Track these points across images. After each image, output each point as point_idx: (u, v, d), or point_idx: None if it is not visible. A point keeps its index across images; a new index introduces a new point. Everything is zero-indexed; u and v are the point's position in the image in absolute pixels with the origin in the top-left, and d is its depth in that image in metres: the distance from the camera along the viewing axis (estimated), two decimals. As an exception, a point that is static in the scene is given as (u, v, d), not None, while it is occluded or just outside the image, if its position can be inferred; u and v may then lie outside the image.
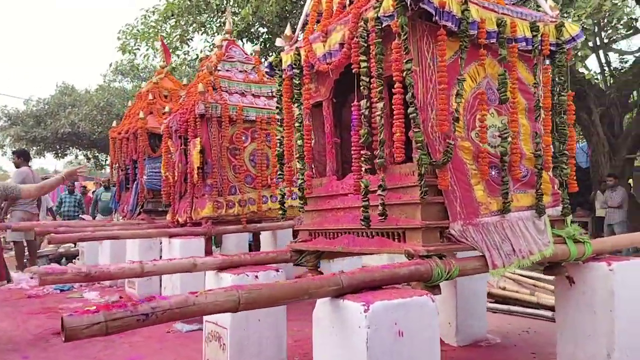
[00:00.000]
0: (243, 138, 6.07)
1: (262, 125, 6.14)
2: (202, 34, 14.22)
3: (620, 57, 13.40)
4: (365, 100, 3.08)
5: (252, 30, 13.75)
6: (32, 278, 7.76)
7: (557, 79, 3.47)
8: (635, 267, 3.34)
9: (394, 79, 2.89)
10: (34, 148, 25.80)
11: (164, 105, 8.14)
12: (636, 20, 10.14)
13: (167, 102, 8.23)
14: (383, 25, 2.96)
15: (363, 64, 3.06)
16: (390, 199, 3.02)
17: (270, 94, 6.43)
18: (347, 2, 3.49)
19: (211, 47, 13.73)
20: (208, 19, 13.90)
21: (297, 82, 3.69)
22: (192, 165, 5.82)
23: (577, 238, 3.35)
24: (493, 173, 3.14)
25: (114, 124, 9.10)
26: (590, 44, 10.67)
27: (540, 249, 3.15)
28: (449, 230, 2.92)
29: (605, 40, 12.15)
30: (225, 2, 12.94)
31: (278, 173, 3.88)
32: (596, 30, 11.02)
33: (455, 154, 2.96)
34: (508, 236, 3.07)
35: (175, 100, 8.07)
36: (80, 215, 12.14)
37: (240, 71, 6.45)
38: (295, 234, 7.67)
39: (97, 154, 29.29)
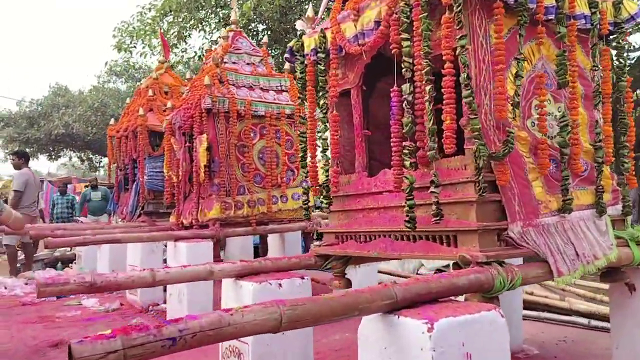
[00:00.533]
0: (251, 134, 5.69)
1: (272, 121, 5.76)
2: (199, 31, 13.84)
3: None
4: (409, 84, 2.70)
5: (251, 27, 13.37)
6: (26, 284, 7.35)
7: (615, 63, 3.11)
8: None
9: (444, 58, 2.52)
10: (27, 150, 25.30)
11: (165, 102, 7.75)
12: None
13: (168, 99, 7.82)
14: (428, -1, 2.60)
15: (405, 43, 2.69)
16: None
17: (279, 87, 6.05)
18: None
19: (210, 44, 13.34)
20: (206, 15, 13.51)
21: (323, 68, 3.32)
22: (199, 164, 5.43)
23: (640, 240, 3.00)
24: (551, 167, 2.78)
25: (112, 122, 8.70)
26: None
27: (604, 252, 2.78)
28: (507, 232, 2.55)
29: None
30: (225, -4, 12.56)
31: (301, 169, 3.50)
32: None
33: (512, 145, 2.60)
34: (570, 239, 2.71)
35: (176, 97, 7.68)
36: (75, 217, 11.69)
37: (248, 63, 6.07)
38: (305, 236, 7.33)
39: (91, 156, 28.84)
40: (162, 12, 13.68)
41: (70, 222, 10.83)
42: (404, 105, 2.71)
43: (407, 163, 2.68)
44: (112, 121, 8.73)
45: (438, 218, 2.60)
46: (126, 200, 7.89)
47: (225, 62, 5.89)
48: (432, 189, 2.61)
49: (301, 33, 3.58)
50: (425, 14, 2.60)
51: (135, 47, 14.65)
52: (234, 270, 3.18)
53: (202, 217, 5.52)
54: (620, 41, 3.12)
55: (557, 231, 2.69)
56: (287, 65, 6.32)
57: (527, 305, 5.40)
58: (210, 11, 13.36)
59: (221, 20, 12.46)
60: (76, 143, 25.65)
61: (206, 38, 13.44)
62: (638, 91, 12.58)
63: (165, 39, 13.95)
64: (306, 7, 13.15)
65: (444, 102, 2.50)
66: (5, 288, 7.09)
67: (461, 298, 2.40)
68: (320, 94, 3.35)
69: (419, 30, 2.64)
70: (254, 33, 13.56)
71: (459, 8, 2.46)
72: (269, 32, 13.24)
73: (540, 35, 2.74)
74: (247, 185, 5.63)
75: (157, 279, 2.91)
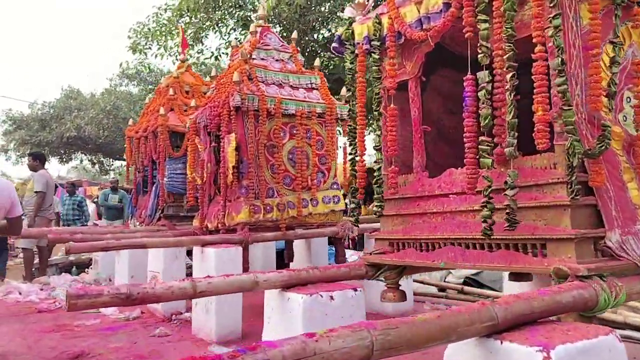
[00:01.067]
0: (281, 134, 5.38)
1: (302, 120, 5.45)
2: (216, 32, 13.58)
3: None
4: (487, 72, 2.39)
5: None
6: (42, 289, 7.07)
7: None
8: None
9: (535, 40, 2.20)
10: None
11: (186, 101, 7.48)
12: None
13: (189, 98, 7.54)
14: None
15: (483, 25, 2.37)
16: (519, 200, 2.33)
17: (309, 85, 5.74)
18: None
19: (227, 44, 13.08)
20: (223, 16, 13.25)
21: (377, 57, 3.01)
22: (226, 164, 5.12)
23: None
24: (647, 167, 2.45)
25: (130, 122, 8.42)
26: None
27: None
28: (605, 241, 2.22)
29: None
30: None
31: (350, 169, 3.18)
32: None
33: (606, 141, 2.27)
34: (671, 249, 2.37)
35: (197, 97, 7.39)
36: (85, 220, 11.28)
37: (277, 60, 5.76)
38: (331, 241, 7.00)
39: (102, 159, 28.68)
40: (179, 13, 13.45)
41: (77, 225, 10.49)
42: (482, 95, 2.38)
43: (488, 161, 2.35)
44: (130, 121, 8.45)
45: (512, 225, 2.28)
46: (145, 203, 7.60)
47: (253, 59, 5.59)
48: (506, 191, 2.29)
49: (351, 20, 3.27)
50: (509, -9, 2.29)
51: (150, 48, 14.43)
52: (280, 280, 2.86)
53: (229, 220, 5.21)
54: None
55: (657, 240, 2.36)
56: (317, 62, 6.02)
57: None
58: (227, 12, 13.11)
59: (239, 21, 12.18)
60: (87, 146, 25.47)
61: (223, 39, 13.18)
62: None
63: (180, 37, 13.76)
64: (324, 8, 12.94)
65: (536, 90, 2.18)
66: (20, 294, 6.81)
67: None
68: (376, 85, 3.03)
69: (500, 11, 2.32)
70: (271, 34, 13.27)
71: (553, -17, 2.15)
72: (284, 34, 12.96)
73: (637, 18, 2.41)
74: (277, 188, 5.31)
75: (199, 290, 2.60)
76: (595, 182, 2.22)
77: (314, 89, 5.75)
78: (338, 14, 13.34)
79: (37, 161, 8.32)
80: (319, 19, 12.53)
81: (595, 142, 2.22)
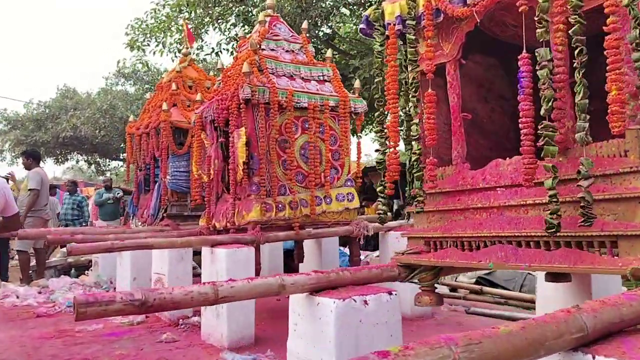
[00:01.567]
0: (293, 128, 5.11)
1: (315, 113, 5.18)
2: (215, 29, 13.29)
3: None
4: (546, 49, 2.13)
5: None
6: (40, 293, 6.78)
7: None
8: None
9: (607, 10, 1.94)
10: (35, 153, 24.77)
11: (189, 97, 7.21)
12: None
13: (193, 93, 7.27)
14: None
15: (543, -3, 2.12)
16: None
17: (321, 77, 5.47)
18: None
19: (228, 40, 12.80)
20: (222, 11, 12.97)
21: (413, 38, 2.74)
22: (236, 161, 4.85)
23: None
24: None
25: (131, 118, 8.13)
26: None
27: None
28: (685, 237, 1.96)
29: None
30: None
31: (379, 163, 2.92)
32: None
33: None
34: None
35: (201, 92, 7.11)
36: (84, 220, 10.95)
37: (287, 51, 5.49)
38: (343, 241, 6.73)
39: (98, 159, 28.37)
40: (178, 8, 13.17)
41: (76, 225, 10.17)
42: (542, 75, 2.12)
43: (554, 149, 2.08)
44: (130, 118, 8.16)
45: (588, 220, 2.02)
46: (147, 203, 7.32)
47: (262, 49, 5.31)
48: (580, 181, 2.03)
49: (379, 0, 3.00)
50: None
51: (148, 45, 14.14)
52: (307, 283, 2.60)
53: (239, 219, 4.94)
54: None
55: None
56: (328, 53, 5.76)
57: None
58: (227, 7, 12.82)
59: (240, 15, 11.90)
60: (83, 146, 25.15)
61: (224, 35, 12.88)
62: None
63: (179, 38, 13.46)
64: (324, 4, 12.68)
65: (609, 67, 1.92)
66: (18, 297, 6.52)
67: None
68: (411, 68, 2.76)
69: (562, -20, 2.06)
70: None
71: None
72: (288, 30, 12.69)
73: None
74: (289, 185, 5.04)
75: (221, 295, 2.34)
76: (673, 172, 1.97)
77: (326, 81, 5.49)
78: (340, 10, 13.11)
79: (31, 159, 8.02)
80: (321, 15, 12.25)
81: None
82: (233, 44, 12.60)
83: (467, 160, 2.82)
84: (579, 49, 2.02)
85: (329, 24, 13.42)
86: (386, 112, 2.94)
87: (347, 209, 5.35)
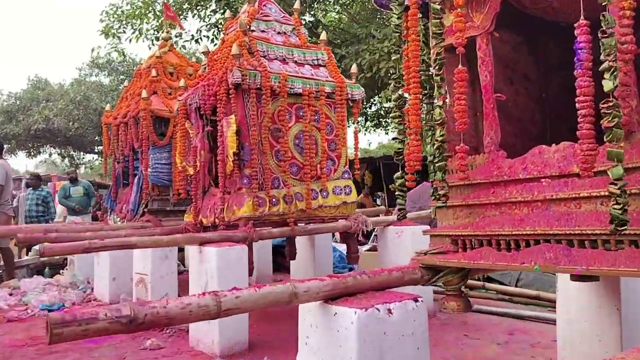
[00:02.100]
0: (287, 116, 4.73)
1: (310, 100, 4.81)
2: (194, 16, 12.78)
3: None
4: (607, 16, 1.80)
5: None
6: (11, 295, 6.31)
7: None
8: None
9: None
10: (5, 146, 23.92)
11: (171, 84, 6.78)
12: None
13: (174, 80, 6.84)
14: None
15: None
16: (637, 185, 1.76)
17: (316, 61, 5.10)
18: None
19: (208, 27, 12.30)
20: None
21: (438, 7, 2.40)
22: (225, 151, 4.46)
23: None
24: None
25: (107, 107, 7.64)
26: None
27: None
28: None
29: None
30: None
31: (398, 149, 2.57)
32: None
33: None
34: None
35: (184, 79, 6.68)
36: (52, 216, 10.19)
37: (279, 33, 5.10)
38: (347, 238, 6.35)
39: (72, 152, 27.55)
40: (155, -7, 12.65)
41: (41, 222, 9.42)
42: (607, 44, 1.79)
43: (621, 132, 1.76)
44: (107, 106, 7.68)
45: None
46: (126, 197, 6.87)
47: (252, 31, 4.92)
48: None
49: (397, -34, 2.65)
50: None
51: (124, 32, 13.57)
52: (322, 290, 2.25)
53: (229, 215, 4.55)
54: None
55: None
56: (323, 36, 5.39)
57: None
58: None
59: (221, 0, 11.42)
60: (56, 139, 24.35)
61: (204, 22, 12.39)
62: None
63: (157, 24, 12.92)
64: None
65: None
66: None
67: None
68: (435, 43, 2.42)
69: None
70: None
71: None
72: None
73: None
74: (283, 178, 4.67)
75: (224, 307, 1.98)
76: None
77: (321, 65, 5.12)
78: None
79: None
80: (305, 2, 11.84)
81: None
82: (214, 31, 12.12)
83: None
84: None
85: (312, 12, 13.04)
86: (404, 95, 2.60)
87: (344, 203, 5.00)
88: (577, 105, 1.88)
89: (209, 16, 12.53)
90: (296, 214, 4.70)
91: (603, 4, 1.81)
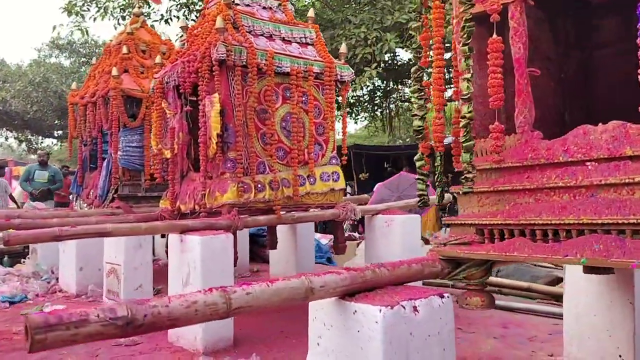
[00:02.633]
0: (274, 97, 4.44)
1: (298, 80, 4.52)
2: (163, -5, 12.27)
3: None
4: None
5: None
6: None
7: None
8: None
9: None
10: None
11: (142, 62, 6.37)
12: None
13: (146, 58, 6.44)
14: None
15: None
16: None
17: (303, 39, 4.81)
18: None
19: (179, 6, 11.80)
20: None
21: (468, -29, 2.15)
22: (209, 132, 4.14)
23: None
24: None
25: (74, 85, 7.16)
26: None
27: None
28: None
29: None
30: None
31: (417, 127, 2.32)
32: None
33: None
34: None
35: (155, 58, 6.29)
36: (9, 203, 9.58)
37: (264, 8, 4.78)
38: (336, 227, 6.05)
39: (30, 137, 26.47)
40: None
41: None
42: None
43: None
44: (73, 85, 7.19)
45: None
46: (93, 182, 6.45)
47: (237, 4, 4.59)
48: None
49: None
50: None
51: (88, 10, 12.91)
52: (340, 285, 1.99)
53: (211, 201, 4.24)
54: None
55: None
56: (310, 12, 5.09)
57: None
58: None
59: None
60: (14, 122, 23.34)
61: (174, 0, 11.87)
62: None
63: (125, 2, 12.34)
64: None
65: None
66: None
67: None
68: (464, 8, 2.17)
69: None
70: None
71: None
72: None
73: None
74: (269, 162, 4.38)
75: (234, 305, 1.70)
76: None
77: (309, 44, 4.83)
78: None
79: None
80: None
81: None
82: (184, 11, 11.63)
83: (513, 129, 2.28)
84: None
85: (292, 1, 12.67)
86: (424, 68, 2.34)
87: (332, 190, 4.75)
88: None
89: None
90: (282, 201, 4.42)
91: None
